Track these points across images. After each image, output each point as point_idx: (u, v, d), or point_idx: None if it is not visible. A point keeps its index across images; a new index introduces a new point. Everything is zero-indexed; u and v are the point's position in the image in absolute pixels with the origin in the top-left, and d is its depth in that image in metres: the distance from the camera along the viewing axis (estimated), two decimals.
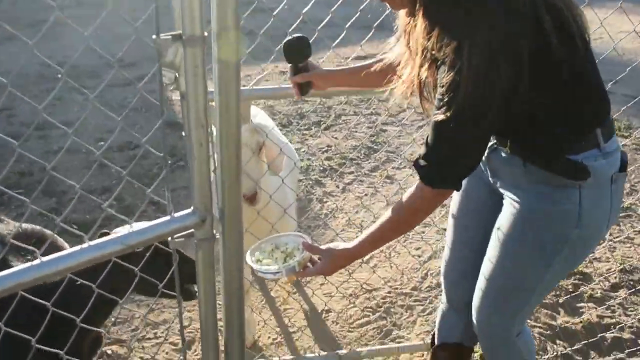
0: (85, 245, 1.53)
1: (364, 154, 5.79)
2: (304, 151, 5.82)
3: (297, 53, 2.25)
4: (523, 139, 1.81)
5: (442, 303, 2.52)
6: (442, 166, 1.70)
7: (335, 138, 6.09)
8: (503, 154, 1.91)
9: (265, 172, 2.83)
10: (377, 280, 3.96)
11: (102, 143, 6.07)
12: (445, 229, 2.53)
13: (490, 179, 2.05)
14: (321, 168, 5.54)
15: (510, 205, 1.92)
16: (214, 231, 1.72)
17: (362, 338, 3.50)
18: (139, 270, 1.85)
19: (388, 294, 3.84)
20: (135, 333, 3.59)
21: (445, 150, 1.67)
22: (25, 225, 2.79)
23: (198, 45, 1.38)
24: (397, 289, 3.91)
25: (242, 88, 1.73)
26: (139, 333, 3.59)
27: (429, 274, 4.04)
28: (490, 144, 1.93)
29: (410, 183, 5.11)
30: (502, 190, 1.99)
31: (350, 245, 1.89)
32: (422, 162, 1.71)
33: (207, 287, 1.81)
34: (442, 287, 2.47)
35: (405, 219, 1.84)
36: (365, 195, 5.12)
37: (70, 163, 5.74)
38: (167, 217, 1.64)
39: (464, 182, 1.82)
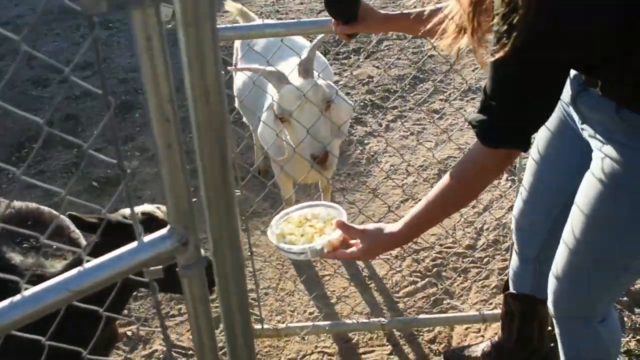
0: (12, 300, 1.11)
1: (410, 85, 5.20)
2: (342, 84, 5.28)
3: (344, 10, 1.96)
4: (618, 77, 1.43)
5: (514, 252, 2.26)
6: (504, 120, 1.39)
7: (377, 67, 5.50)
8: (593, 97, 1.54)
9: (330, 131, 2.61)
10: (426, 237, 3.50)
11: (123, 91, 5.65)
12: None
13: (578, 124, 1.70)
14: (362, 104, 5.00)
15: (601, 162, 1.57)
16: (203, 251, 1.28)
17: (410, 310, 3.08)
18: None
19: (438, 255, 3.39)
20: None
21: (506, 98, 1.37)
22: (18, 204, 2.41)
23: None
24: (448, 248, 3.44)
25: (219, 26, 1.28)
26: (161, 310, 3.27)
27: (484, 228, 3.56)
28: (576, 81, 1.60)
29: (461, 118, 4.63)
30: (591, 142, 1.65)
31: (395, 228, 1.59)
32: (479, 117, 1.41)
33: (201, 326, 1.39)
34: (514, 237, 2.21)
35: (461, 190, 1.54)
36: (412, 134, 4.59)
37: (92, 110, 5.36)
38: (134, 244, 1.21)
39: (547, 122, 1.55)
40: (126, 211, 1.94)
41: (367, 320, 2.89)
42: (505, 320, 2.45)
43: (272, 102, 2.66)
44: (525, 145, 1.45)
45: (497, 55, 1.27)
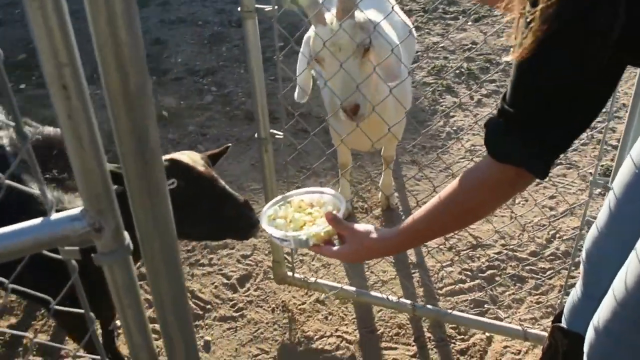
0: None
1: None
2: (442, 47, 4.85)
3: None
4: None
5: (579, 283, 1.91)
6: (518, 129, 1.15)
7: (484, 33, 5.00)
8: None
9: (369, 80, 2.33)
10: (489, 233, 3.15)
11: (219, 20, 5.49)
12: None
13: None
14: (457, 71, 4.57)
15: None
16: (127, 240, 1.07)
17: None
18: None
19: (497, 256, 3.02)
20: (189, 255, 3.15)
21: (524, 103, 1.13)
22: (47, 130, 2.30)
23: None
24: (511, 250, 3.07)
25: None
26: (192, 256, 3.15)
27: (557, 236, 3.14)
28: None
29: None
30: None
31: (388, 234, 1.41)
32: (492, 122, 1.20)
33: (130, 322, 1.19)
34: (581, 267, 1.87)
35: (465, 205, 1.30)
36: None
37: (182, 37, 5.26)
38: (38, 221, 1.01)
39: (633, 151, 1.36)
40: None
41: (397, 300, 2.60)
42: (546, 353, 2.11)
43: (309, 38, 2.44)
44: (539, 170, 1.17)
45: (520, 50, 1.04)
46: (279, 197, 1.72)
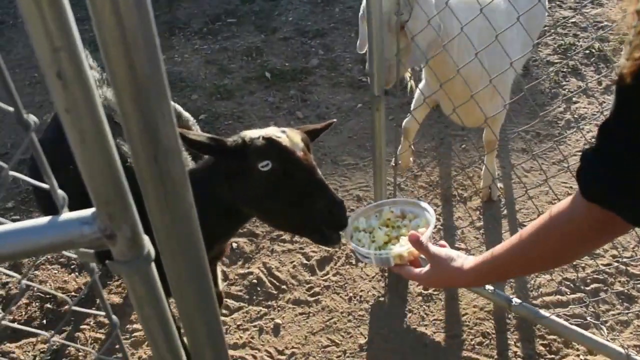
0: None
1: None
2: (572, 22, 4.39)
3: None
4: None
5: None
6: (612, 166, 0.96)
7: (623, 11, 4.46)
8: None
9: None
10: None
11: None
12: None
13: None
14: (587, 52, 4.12)
15: None
16: (147, 248, 0.95)
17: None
18: None
19: (606, 267, 2.69)
20: (272, 229, 3.05)
21: (622, 137, 0.93)
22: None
23: None
24: (623, 264, 2.72)
25: None
26: (274, 230, 3.04)
27: None
28: None
29: None
30: None
31: (466, 265, 1.31)
32: (588, 155, 1.01)
33: (155, 334, 1.08)
34: None
35: (546, 249, 1.17)
36: None
37: None
38: (44, 220, 0.91)
39: None
40: (250, 134, 1.65)
41: (493, 290, 2.36)
42: None
43: None
44: (628, 213, 0.97)
45: (623, 73, 0.86)
46: (371, 205, 1.66)
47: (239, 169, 1.62)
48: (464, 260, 1.31)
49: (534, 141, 3.55)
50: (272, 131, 1.64)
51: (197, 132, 1.72)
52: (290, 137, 1.63)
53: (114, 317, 1.07)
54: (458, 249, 2.88)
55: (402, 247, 1.45)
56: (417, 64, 2.39)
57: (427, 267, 1.37)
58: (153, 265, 0.93)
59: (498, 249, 1.24)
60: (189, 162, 2.14)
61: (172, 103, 2.27)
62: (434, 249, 1.36)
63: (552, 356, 2.37)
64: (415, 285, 2.69)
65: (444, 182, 3.30)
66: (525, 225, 2.91)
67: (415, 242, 1.38)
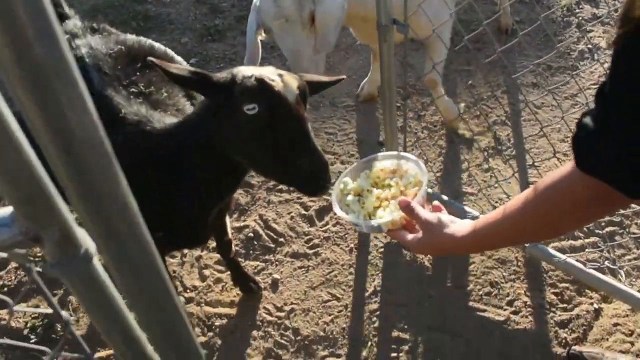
0: None
1: None
2: None
3: None
4: None
5: None
6: (610, 137, 0.87)
7: None
8: None
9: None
10: None
11: None
12: None
13: None
14: None
15: None
16: (83, 247, 0.82)
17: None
18: None
19: (621, 209, 2.53)
20: (267, 179, 2.91)
21: (621, 103, 0.83)
22: (130, 40, 2.06)
23: None
24: None
25: None
26: (269, 180, 2.90)
27: None
28: None
29: None
30: None
31: (459, 232, 1.22)
32: (583, 124, 0.91)
33: (112, 335, 0.95)
34: None
35: (542, 218, 1.08)
36: None
37: None
38: None
39: None
40: (243, 71, 1.48)
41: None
42: None
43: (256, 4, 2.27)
44: (627, 187, 0.88)
45: (619, 33, 0.79)
46: (357, 163, 1.51)
47: (225, 108, 1.48)
48: (457, 227, 1.22)
49: (545, 74, 3.34)
50: (267, 72, 1.47)
51: (179, 66, 1.55)
52: (285, 82, 1.46)
53: (64, 313, 0.94)
54: (465, 193, 2.73)
55: (394, 214, 1.34)
56: (329, 49, 2.32)
57: (420, 233, 1.28)
58: (96, 263, 0.80)
59: (492, 216, 1.14)
60: (185, 107, 1.98)
61: (163, 47, 2.08)
62: (425, 214, 1.26)
63: (564, 305, 2.25)
64: None
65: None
66: (536, 166, 2.75)
67: (406, 207, 1.29)
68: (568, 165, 0.98)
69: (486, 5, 3.88)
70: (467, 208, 2.47)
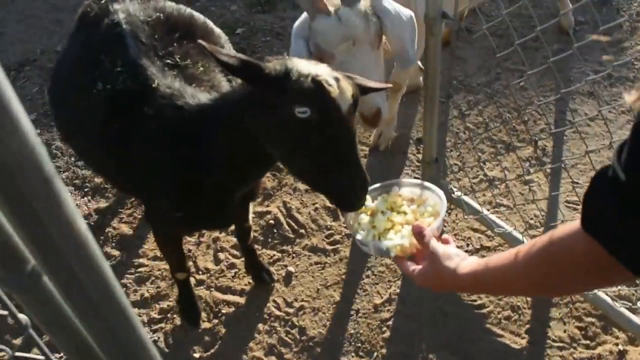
0: None
1: None
2: None
3: None
4: None
5: None
6: (628, 208, 0.77)
7: None
8: None
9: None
10: None
11: None
12: None
13: None
14: None
15: None
16: (30, 263, 0.78)
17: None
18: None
19: None
20: None
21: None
22: (169, 7, 1.98)
23: None
24: None
25: None
26: None
27: None
28: None
29: None
30: None
31: (462, 269, 1.16)
32: (602, 182, 0.82)
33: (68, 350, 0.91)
34: None
35: (539, 280, 1.02)
36: None
37: None
38: None
39: None
40: (298, 66, 1.37)
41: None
42: None
43: (305, 31, 1.93)
44: (631, 262, 0.80)
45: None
46: (378, 185, 1.47)
47: (273, 103, 1.38)
48: (461, 262, 1.16)
49: (604, 83, 3.12)
50: (324, 73, 1.36)
51: (229, 52, 1.44)
52: (342, 88, 1.35)
53: (22, 316, 0.88)
54: (499, 204, 2.59)
55: (403, 239, 1.30)
56: (410, 65, 2.09)
57: (424, 264, 1.23)
58: (45, 282, 0.75)
59: (494, 262, 1.09)
60: (221, 84, 1.89)
61: (202, 17, 1.98)
62: (434, 245, 1.21)
63: (587, 342, 2.12)
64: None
65: (494, 124, 2.96)
66: (578, 184, 2.59)
67: (418, 234, 1.25)
68: (573, 228, 0.89)
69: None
70: (498, 221, 2.34)
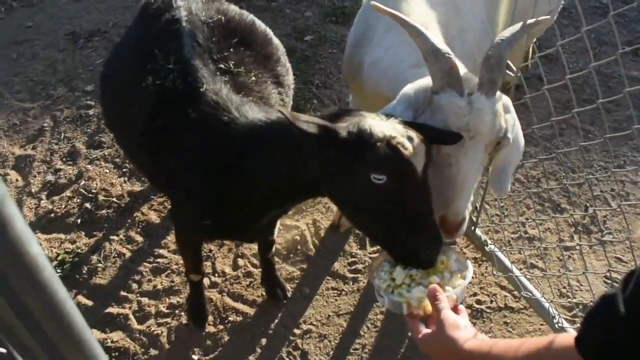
0: None
1: None
2: None
3: None
4: None
5: None
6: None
7: None
8: None
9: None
10: None
11: None
12: None
13: None
14: None
15: None
16: None
17: None
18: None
19: None
20: None
21: None
22: (232, 11, 1.96)
23: None
24: None
25: None
26: None
27: None
28: None
29: None
30: None
31: (466, 343, 1.12)
32: (614, 307, 0.79)
33: None
34: None
35: None
36: None
37: None
38: None
39: None
40: (371, 127, 1.30)
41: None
42: None
43: (420, 101, 1.56)
44: None
45: None
46: None
47: (347, 167, 1.32)
48: (468, 335, 1.13)
49: None
50: (399, 134, 1.29)
51: (309, 119, 1.35)
52: (417, 149, 1.30)
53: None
54: (533, 265, 2.47)
55: (415, 295, 1.26)
56: (502, 192, 1.77)
57: (432, 329, 1.20)
58: None
59: (496, 351, 1.06)
60: (271, 97, 1.86)
61: (264, 26, 1.92)
62: (445, 312, 1.18)
63: None
64: (468, 296, 2.35)
65: (546, 182, 2.83)
66: (621, 260, 2.45)
67: (432, 297, 1.21)
68: (565, 340, 0.89)
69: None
70: (527, 284, 2.23)
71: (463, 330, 1.14)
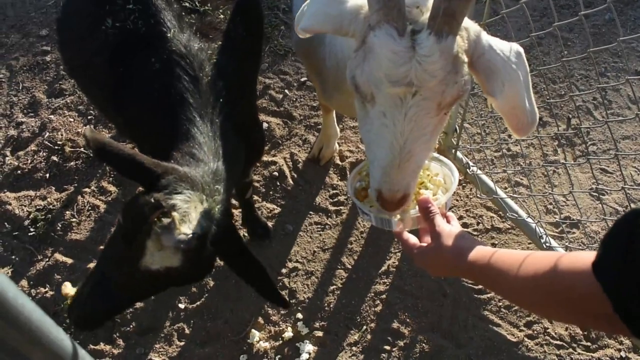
0: None
1: None
2: None
3: None
4: None
5: None
6: None
7: None
8: None
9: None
10: None
11: None
12: None
13: None
14: None
15: None
16: None
17: None
18: None
19: None
20: (314, 112, 2.65)
21: None
22: None
23: None
24: None
25: None
26: (315, 115, 2.64)
27: None
28: None
29: None
30: None
31: (466, 253, 1.06)
32: (624, 236, 0.75)
33: None
34: None
35: (534, 302, 0.97)
36: None
37: None
38: None
39: None
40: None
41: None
42: None
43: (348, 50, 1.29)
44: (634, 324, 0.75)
45: None
46: None
47: None
48: (467, 245, 1.08)
49: None
50: (181, 202, 1.27)
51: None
52: (178, 215, 1.25)
53: None
54: (519, 183, 2.43)
55: (412, 211, 1.22)
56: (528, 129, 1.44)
57: (426, 242, 1.18)
58: None
59: (497, 260, 1.01)
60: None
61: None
62: (439, 222, 1.14)
63: (589, 344, 2.00)
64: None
65: None
66: (606, 171, 2.41)
67: (424, 209, 1.17)
68: (588, 258, 0.82)
69: None
70: (512, 204, 2.20)
71: (460, 240, 1.09)
